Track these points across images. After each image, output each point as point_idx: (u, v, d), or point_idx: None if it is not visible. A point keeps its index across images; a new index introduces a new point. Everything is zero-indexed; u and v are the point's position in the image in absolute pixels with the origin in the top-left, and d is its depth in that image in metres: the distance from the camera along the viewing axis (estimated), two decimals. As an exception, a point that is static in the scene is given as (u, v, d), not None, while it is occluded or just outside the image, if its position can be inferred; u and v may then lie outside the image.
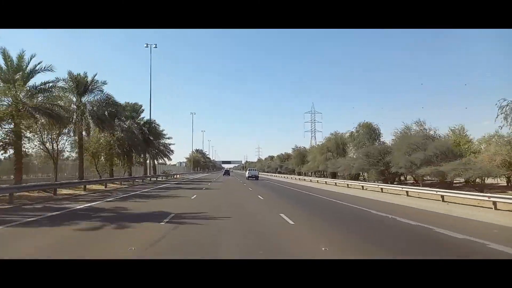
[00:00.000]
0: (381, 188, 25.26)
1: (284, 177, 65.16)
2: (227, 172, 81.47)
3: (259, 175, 56.14)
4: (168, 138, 50.92)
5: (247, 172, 54.99)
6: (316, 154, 50.67)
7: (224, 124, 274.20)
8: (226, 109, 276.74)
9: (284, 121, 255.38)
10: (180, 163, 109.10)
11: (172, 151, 51.93)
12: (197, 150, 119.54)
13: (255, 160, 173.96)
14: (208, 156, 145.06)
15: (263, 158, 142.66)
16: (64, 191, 20.44)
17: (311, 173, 64.59)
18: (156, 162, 51.93)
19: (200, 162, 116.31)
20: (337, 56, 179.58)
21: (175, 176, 55.89)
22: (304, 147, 69.62)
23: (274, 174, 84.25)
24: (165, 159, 52.17)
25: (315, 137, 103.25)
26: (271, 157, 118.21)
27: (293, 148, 73.01)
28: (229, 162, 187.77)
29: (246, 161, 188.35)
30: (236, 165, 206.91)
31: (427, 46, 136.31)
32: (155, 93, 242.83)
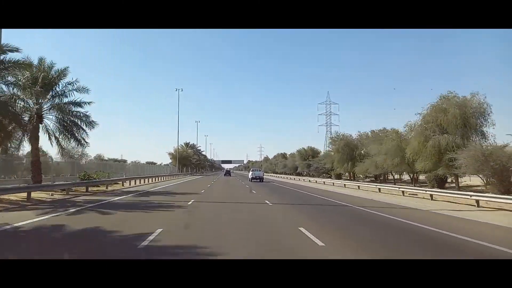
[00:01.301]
0: None
1: (323, 182, 38.85)
2: (228, 173, 77.37)
3: (265, 177, 49.04)
4: (78, 91, 20.94)
5: (250, 173, 47.17)
6: (412, 139, 24.26)
7: (224, 124, 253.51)
8: (226, 108, 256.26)
9: (286, 121, 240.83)
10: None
11: (91, 122, 21.35)
12: (187, 144, 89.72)
13: (259, 159, 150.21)
14: (203, 153, 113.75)
15: (270, 157, 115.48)
16: None
17: (360, 176, 38.80)
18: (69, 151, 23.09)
19: (191, 159, 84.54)
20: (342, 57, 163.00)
21: (103, 188, 23.06)
22: (350, 135, 43.17)
23: (290, 177, 60.77)
24: (71, 140, 21.13)
25: (330, 131, 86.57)
26: (283, 155, 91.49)
27: (332, 138, 46.47)
28: (229, 162, 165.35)
29: (249, 161, 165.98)
30: (237, 165, 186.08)
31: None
32: (155, 93, 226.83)
